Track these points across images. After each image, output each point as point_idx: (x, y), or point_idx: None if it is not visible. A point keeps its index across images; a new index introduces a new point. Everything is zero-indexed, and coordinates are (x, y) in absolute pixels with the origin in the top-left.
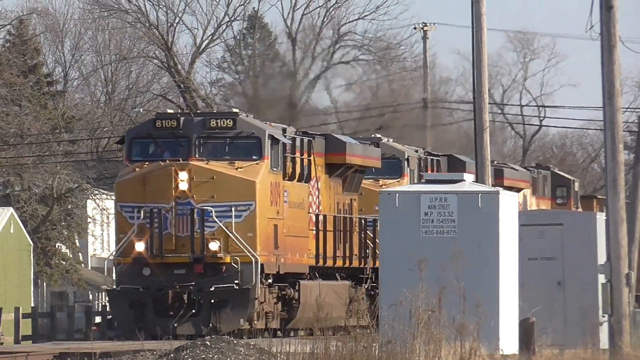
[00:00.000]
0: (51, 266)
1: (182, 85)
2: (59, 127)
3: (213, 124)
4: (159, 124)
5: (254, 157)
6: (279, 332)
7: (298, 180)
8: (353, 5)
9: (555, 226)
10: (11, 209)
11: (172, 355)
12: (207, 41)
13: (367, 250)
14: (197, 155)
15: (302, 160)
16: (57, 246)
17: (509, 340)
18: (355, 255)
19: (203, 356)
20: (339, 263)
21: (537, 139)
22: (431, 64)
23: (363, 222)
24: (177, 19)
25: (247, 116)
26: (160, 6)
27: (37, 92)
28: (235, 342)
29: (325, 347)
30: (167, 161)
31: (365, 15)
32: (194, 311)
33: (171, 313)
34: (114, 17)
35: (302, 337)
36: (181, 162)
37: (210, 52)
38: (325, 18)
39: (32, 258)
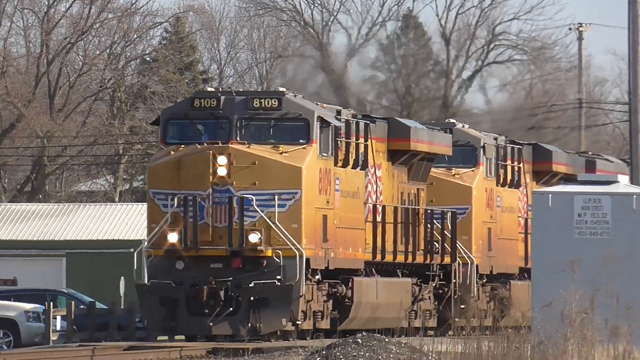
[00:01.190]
0: None
1: (336, 84)
2: None
3: (256, 104)
4: (197, 103)
5: (300, 140)
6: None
7: (353, 167)
8: (508, 5)
9: None
10: None
11: (323, 352)
12: (361, 41)
13: (436, 245)
14: (238, 138)
15: (357, 145)
16: None
17: None
18: (421, 250)
19: (354, 354)
20: (400, 258)
21: None
22: (586, 65)
23: (431, 213)
24: (332, 17)
25: (294, 96)
26: (316, 5)
27: (192, 89)
28: (387, 340)
29: (477, 347)
30: (205, 144)
31: (520, 16)
32: (231, 309)
33: (206, 311)
34: (269, 16)
35: (453, 336)
36: (220, 145)
37: (364, 51)
38: (480, 18)
39: None
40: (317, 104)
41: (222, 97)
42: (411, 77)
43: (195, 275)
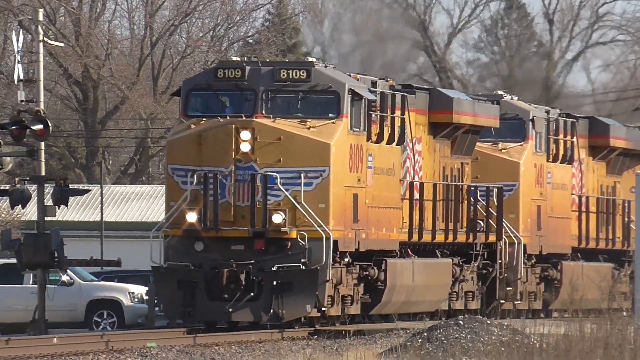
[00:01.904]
0: None
1: (437, 66)
2: None
3: (283, 75)
4: (220, 73)
5: (330, 114)
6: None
7: (388, 142)
8: None
9: None
10: None
11: (425, 334)
12: (463, 22)
13: (480, 223)
14: (263, 112)
15: (393, 119)
16: None
17: None
18: (463, 228)
19: (456, 335)
20: (440, 238)
21: None
22: None
23: (475, 190)
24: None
25: (325, 67)
26: None
27: None
28: (488, 322)
29: (580, 329)
30: (228, 117)
31: None
32: (252, 294)
33: (226, 296)
34: None
35: (556, 318)
36: (244, 119)
37: (467, 33)
38: None
39: None
40: (350, 75)
41: (247, 68)
42: (515, 59)
43: (215, 257)
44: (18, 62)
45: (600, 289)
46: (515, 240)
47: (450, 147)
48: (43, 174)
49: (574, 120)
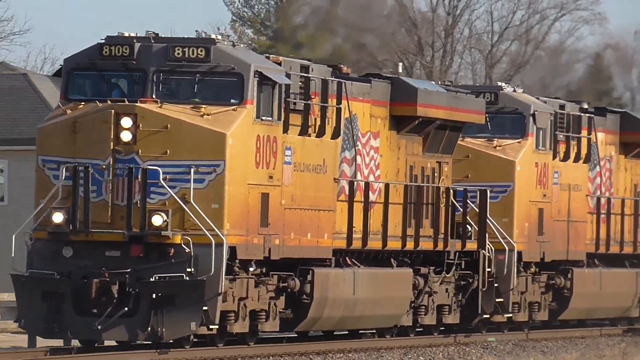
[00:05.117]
0: None
1: None
2: None
3: (178, 54)
4: (106, 50)
5: (232, 100)
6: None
7: (318, 135)
8: None
9: None
10: None
11: None
12: None
13: (469, 228)
14: (153, 96)
15: (324, 108)
16: None
17: None
18: (429, 236)
19: None
20: (394, 245)
21: None
22: None
23: (453, 192)
24: None
25: (233, 45)
26: None
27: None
28: None
29: None
30: (108, 102)
31: None
32: (127, 309)
33: (95, 311)
34: None
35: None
36: (125, 103)
37: None
38: None
39: None
40: (269, 57)
41: (138, 44)
42: None
43: (86, 264)
44: None
45: (620, 296)
46: (507, 247)
47: (421, 144)
48: None
49: (590, 115)
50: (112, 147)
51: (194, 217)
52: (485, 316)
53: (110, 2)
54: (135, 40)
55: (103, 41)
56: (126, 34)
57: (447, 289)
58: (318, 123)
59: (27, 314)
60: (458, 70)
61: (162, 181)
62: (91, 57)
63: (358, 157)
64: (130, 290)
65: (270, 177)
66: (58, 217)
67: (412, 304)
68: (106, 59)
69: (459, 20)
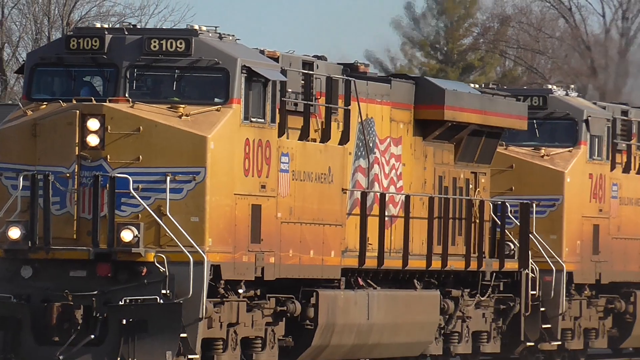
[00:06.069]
0: None
1: None
2: None
3: (154, 47)
4: (73, 44)
5: (216, 99)
6: None
7: (322, 141)
8: None
9: None
10: None
11: None
12: None
13: (511, 246)
14: (126, 94)
15: (328, 109)
16: None
17: None
18: (461, 255)
19: None
20: (416, 264)
21: None
22: None
23: (492, 206)
24: None
25: (220, 37)
26: None
27: None
28: None
29: None
30: (74, 101)
31: None
32: (93, 336)
33: (56, 339)
34: None
35: None
36: (93, 103)
37: None
38: None
39: None
40: (262, 51)
41: (109, 37)
42: None
43: (48, 286)
44: None
45: None
46: (554, 267)
47: (453, 152)
48: None
49: None
50: (77, 153)
51: (170, 232)
52: (529, 344)
53: (275, 26)
54: (106, 32)
55: (71, 33)
56: (98, 25)
57: (484, 314)
58: (321, 127)
59: None
60: (631, 91)
61: (132, 191)
62: (57, 51)
63: (375, 166)
64: (97, 315)
65: (263, 187)
66: (15, 233)
67: (442, 331)
68: (74, 53)
69: (632, 42)
